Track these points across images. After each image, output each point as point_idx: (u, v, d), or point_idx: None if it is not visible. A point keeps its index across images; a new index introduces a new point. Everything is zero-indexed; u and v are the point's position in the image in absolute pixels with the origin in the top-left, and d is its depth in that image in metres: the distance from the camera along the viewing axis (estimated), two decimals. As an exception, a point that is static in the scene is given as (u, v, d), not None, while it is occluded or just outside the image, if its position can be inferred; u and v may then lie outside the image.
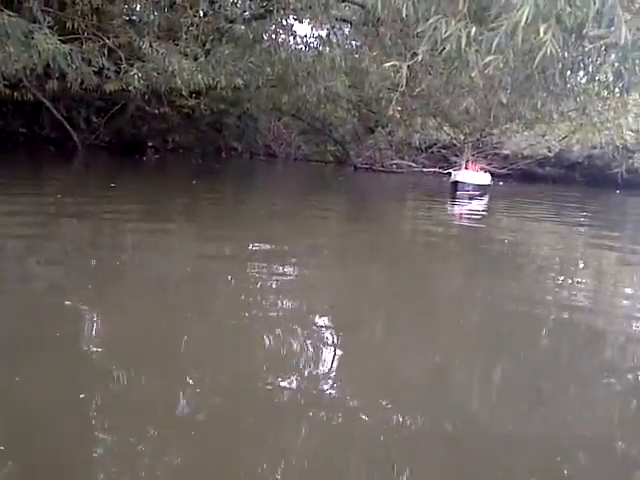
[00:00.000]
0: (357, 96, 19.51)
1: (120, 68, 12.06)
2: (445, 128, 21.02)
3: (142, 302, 4.35)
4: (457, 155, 27.28)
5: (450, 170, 20.56)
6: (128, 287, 4.72)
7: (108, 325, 3.79)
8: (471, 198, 16.99)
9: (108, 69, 12.02)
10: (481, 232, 10.67)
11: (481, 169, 20.22)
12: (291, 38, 15.13)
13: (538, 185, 28.19)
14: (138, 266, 5.46)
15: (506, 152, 27.27)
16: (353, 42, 16.25)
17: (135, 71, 11.61)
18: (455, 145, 25.84)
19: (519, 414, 3.03)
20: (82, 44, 11.71)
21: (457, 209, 14.72)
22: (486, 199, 17.34)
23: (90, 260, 5.44)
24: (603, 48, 5.04)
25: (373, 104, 19.55)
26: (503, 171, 29.05)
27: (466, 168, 19.19)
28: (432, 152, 28.30)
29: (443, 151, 28.02)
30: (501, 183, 26.58)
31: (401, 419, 2.84)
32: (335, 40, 14.44)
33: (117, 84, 13.02)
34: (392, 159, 29.12)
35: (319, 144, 31.83)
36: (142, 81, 12.00)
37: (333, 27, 14.22)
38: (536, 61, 4.81)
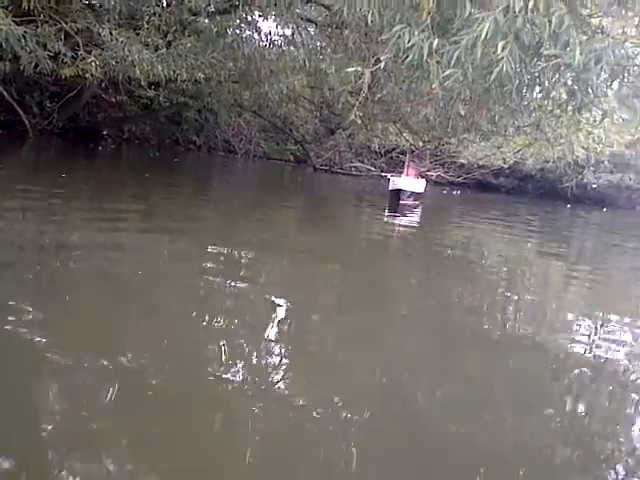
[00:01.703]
0: (320, 97, 19.53)
1: (77, 54, 11.73)
2: (405, 134, 21.24)
3: (85, 298, 4.22)
4: (414, 161, 27.72)
5: (388, 175, 18.36)
6: (71, 286, 4.56)
7: (50, 324, 3.66)
8: (413, 208, 15.47)
9: (64, 54, 11.66)
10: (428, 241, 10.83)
11: (418, 174, 18.45)
12: (255, 35, 15.06)
13: (491, 195, 28.88)
14: (81, 263, 5.30)
15: (462, 161, 27.80)
16: (317, 43, 16.25)
17: (93, 58, 11.34)
18: (413, 151, 26.18)
19: (464, 415, 3.08)
20: (38, 27, 11.32)
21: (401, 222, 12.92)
22: (420, 210, 15.59)
23: (27, 260, 5.24)
24: (558, 67, 5.17)
25: (335, 106, 19.60)
26: (459, 179, 29.65)
27: (407, 174, 17.48)
28: (391, 157, 28.61)
29: (402, 156, 28.32)
30: (458, 192, 27.09)
31: (348, 414, 2.90)
32: (299, 40, 14.41)
33: (73, 70, 12.65)
34: (352, 162, 29.31)
35: (279, 143, 31.73)
36: (99, 69, 11.73)
37: (298, 27, 14.18)
38: (492, 76, 4.90)
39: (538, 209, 23.68)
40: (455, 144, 21.89)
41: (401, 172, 17.92)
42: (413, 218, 14.07)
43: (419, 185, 16.50)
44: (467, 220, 15.65)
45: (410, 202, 15.56)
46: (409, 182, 16.01)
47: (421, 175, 19.05)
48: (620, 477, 2.67)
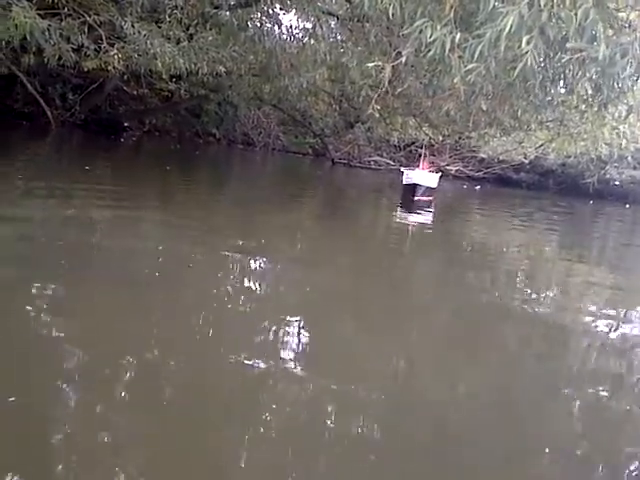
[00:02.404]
0: (339, 90, 19.45)
1: (100, 47, 11.81)
2: (424, 128, 21.07)
3: (110, 290, 4.28)
4: (434, 155, 27.50)
5: (402, 168, 17.28)
6: (95, 278, 4.62)
7: (75, 315, 3.71)
8: (428, 204, 14.69)
9: (87, 47, 11.74)
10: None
11: (432, 168, 17.55)
12: (276, 28, 15.02)
13: (511, 190, 28.60)
14: (106, 254, 5.37)
15: (482, 156, 27.50)
16: (338, 36, 16.17)
17: (115, 51, 11.41)
18: (433, 145, 25.98)
19: (481, 411, 3.08)
20: (61, 20, 11.41)
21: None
22: (434, 206, 14.89)
23: (54, 247, 5.32)
24: (583, 61, 5.09)
25: (354, 99, 19.51)
26: (479, 174, 29.37)
27: (422, 168, 16.62)
28: (410, 151, 28.42)
29: (421, 150, 28.14)
30: (478, 187, 26.77)
31: (366, 399, 2.95)
32: (320, 33, 14.35)
33: (96, 63, 12.75)
34: (370, 155, 29.19)
35: (298, 136, 31.72)
36: (122, 61, 11.80)
37: (319, 20, 14.12)
38: (516, 71, 4.84)
39: (559, 205, 23.41)
40: (475, 138, 21.63)
41: (416, 165, 17.18)
42: (428, 214, 13.51)
43: (433, 179, 15.86)
44: (486, 216, 15.51)
45: (425, 198, 14.86)
46: (424, 176, 15.30)
47: (436, 169, 18.27)
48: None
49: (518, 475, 2.58)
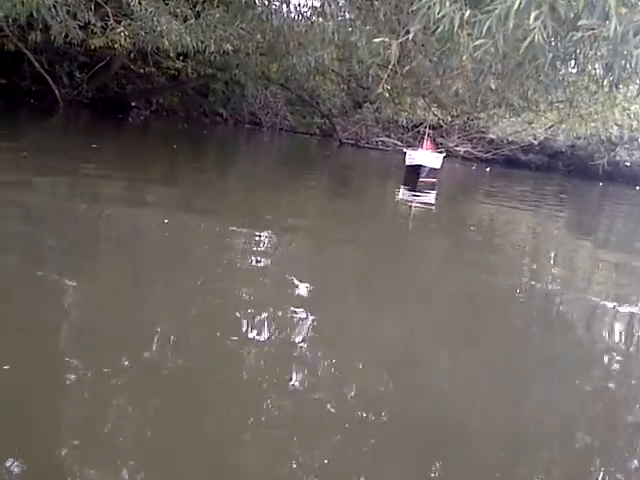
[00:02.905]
0: (348, 70, 19.27)
1: (106, 24, 11.73)
2: (433, 109, 20.90)
3: (117, 267, 4.31)
4: (443, 136, 27.27)
5: (404, 149, 16.39)
6: (104, 256, 4.65)
7: (82, 291, 3.74)
8: (431, 186, 13.94)
9: (94, 24, 11.68)
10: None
11: (435, 148, 16.49)
12: (284, 6, 14.85)
13: (520, 171, 28.38)
14: (112, 227, 5.39)
15: (491, 136, 27.29)
16: (347, 15, 15.96)
17: (122, 29, 11.34)
18: (442, 126, 25.77)
19: (485, 394, 3.09)
20: (68, -4, 11.34)
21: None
22: (437, 188, 14.07)
23: (63, 226, 5.35)
24: (594, 40, 5.01)
25: (363, 79, 19.34)
26: (487, 155, 29.17)
27: (425, 148, 15.69)
28: (418, 131, 28.21)
29: (429, 131, 27.93)
30: (488, 169, 26.52)
31: (370, 383, 2.94)
32: (329, 11, 14.16)
33: (103, 40, 12.72)
34: (378, 136, 29.03)
35: (306, 116, 31.53)
36: (128, 39, 11.74)
37: (328, -2, 13.94)
38: (523, 47, 4.76)
39: (568, 187, 23.25)
40: (484, 119, 21.43)
41: (419, 145, 16.38)
42: (432, 196, 13.00)
43: (437, 160, 15.13)
44: (493, 197, 15.41)
45: (428, 179, 14.17)
46: (427, 157, 14.60)
47: (440, 149, 17.58)
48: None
49: (518, 460, 2.58)
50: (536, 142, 25.91)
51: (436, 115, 22.10)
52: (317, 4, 14.60)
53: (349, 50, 14.81)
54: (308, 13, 14.74)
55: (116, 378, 2.64)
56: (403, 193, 12.88)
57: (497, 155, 29.25)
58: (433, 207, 11.59)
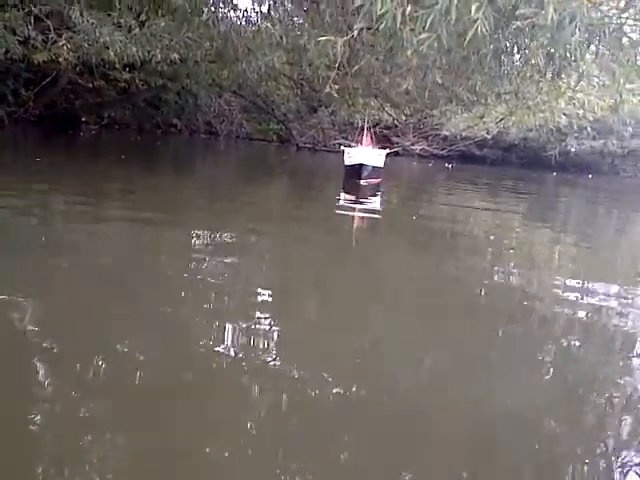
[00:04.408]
0: (299, 74, 19.28)
1: (47, 38, 11.45)
2: (387, 109, 21.08)
3: (74, 283, 4.15)
4: (398, 136, 27.56)
5: (342, 146, 14.57)
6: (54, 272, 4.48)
7: (37, 310, 3.58)
8: (376, 187, 12.36)
9: (34, 39, 11.38)
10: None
11: (375, 144, 14.72)
12: (232, 12, 14.75)
13: (476, 166, 28.84)
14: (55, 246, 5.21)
15: (446, 133, 27.73)
16: (295, 18, 15.97)
17: (63, 41, 11.07)
18: (396, 125, 26.04)
19: (453, 384, 3.07)
20: (5, 11, 11.04)
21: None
22: (382, 190, 12.50)
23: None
24: (532, 28, 5.10)
25: (315, 82, 19.36)
26: (443, 152, 29.61)
27: (365, 144, 14.09)
28: (375, 132, 28.48)
29: (385, 131, 28.22)
30: (450, 165, 26.78)
31: (338, 383, 2.86)
32: (276, 15, 14.14)
33: (45, 55, 12.40)
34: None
35: (262, 123, 31.51)
36: (71, 52, 11.47)
37: (275, 2, 13.92)
38: (467, 39, 4.81)
39: (522, 179, 23.70)
40: (437, 116, 21.75)
41: (358, 142, 14.69)
42: (376, 201, 11.19)
43: (380, 158, 13.50)
44: (450, 194, 15.57)
45: (372, 180, 12.69)
46: (369, 154, 13.00)
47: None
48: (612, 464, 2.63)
49: (485, 448, 2.56)
50: (489, 136, 26.42)
51: (390, 115, 22.28)
52: (264, 9, 14.59)
53: (298, 53, 14.83)
54: (255, 18, 14.70)
55: (80, 392, 2.53)
56: (344, 199, 10.87)
57: (452, 151, 29.73)
58: (379, 214, 9.74)
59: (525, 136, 28.81)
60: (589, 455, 2.53)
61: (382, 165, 13.56)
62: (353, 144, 14.79)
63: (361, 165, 12.43)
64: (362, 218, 8.93)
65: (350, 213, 9.20)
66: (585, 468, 2.42)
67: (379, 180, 13.16)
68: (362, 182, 12.23)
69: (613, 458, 2.49)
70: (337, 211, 9.40)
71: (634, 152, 32.16)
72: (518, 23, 5.04)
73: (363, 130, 14.95)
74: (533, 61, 6.64)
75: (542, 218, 11.80)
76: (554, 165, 29.59)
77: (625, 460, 2.46)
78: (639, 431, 2.76)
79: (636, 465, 2.42)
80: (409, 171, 24.74)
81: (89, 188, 8.75)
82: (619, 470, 2.39)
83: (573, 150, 30.21)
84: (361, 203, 10.43)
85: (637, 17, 5.11)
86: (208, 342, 3.26)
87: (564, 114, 13.99)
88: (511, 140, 31.10)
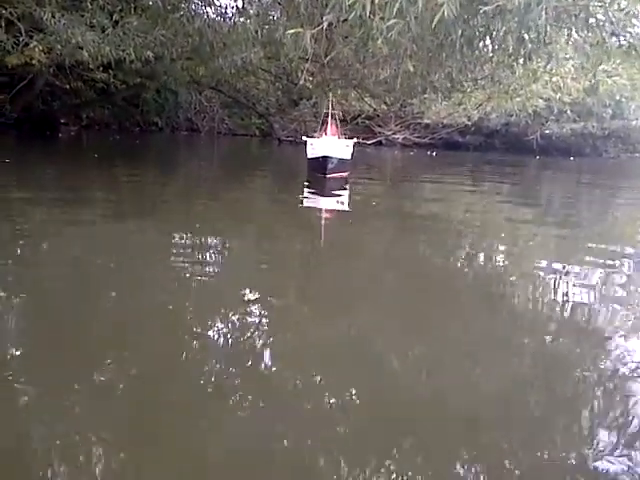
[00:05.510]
0: (277, 67, 19.21)
1: (19, 40, 11.32)
2: (366, 99, 21.09)
3: (59, 285, 4.12)
4: (380, 125, 27.56)
5: (305, 137, 13.10)
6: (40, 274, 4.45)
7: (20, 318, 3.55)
8: (343, 182, 11.30)
9: (5, 42, 11.25)
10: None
11: (341, 133, 13.31)
12: (208, 9, 14.67)
13: (459, 152, 28.94)
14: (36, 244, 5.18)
15: (427, 121, 27.76)
16: (272, 12, 15.90)
17: (35, 43, 10.95)
18: (378, 116, 26.07)
19: (438, 375, 3.11)
20: (-25, 15, 10.91)
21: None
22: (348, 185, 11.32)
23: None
24: (500, 12, 5.11)
25: (294, 75, 19.31)
26: (425, 140, 29.67)
27: (331, 133, 12.74)
28: (357, 123, 28.49)
29: (367, 122, 28.23)
30: (434, 153, 26.78)
31: (323, 377, 2.92)
32: (251, 10, 14.08)
33: (18, 57, 12.26)
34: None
35: (244, 117, 31.39)
36: (44, 54, 11.35)
37: (250, -4, 13.86)
38: (434, 23, 4.81)
39: (505, 164, 23.81)
40: (417, 105, 21.80)
41: (322, 131, 13.27)
42: (344, 198, 10.08)
43: (347, 149, 12.15)
44: (435, 182, 15.60)
45: (338, 174, 11.51)
46: (334, 145, 11.75)
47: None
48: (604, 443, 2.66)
49: (472, 439, 2.58)
50: (470, 123, 26.48)
51: (371, 106, 22.30)
52: (239, 4, 14.52)
53: (275, 47, 14.78)
54: (231, 14, 14.63)
55: (69, 396, 2.53)
56: (308, 197, 9.80)
57: (435, 139, 29.79)
58: (348, 211, 8.90)
59: (507, 121, 28.91)
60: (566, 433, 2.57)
61: (349, 157, 12.24)
62: (316, 134, 13.24)
63: (325, 157, 11.23)
64: (330, 213, 8.52)
65: (314, 214, 8.36)
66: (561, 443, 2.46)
67: (346, 173, 12.01)
68: (328, 176, 11.13)
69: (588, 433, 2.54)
70: (303, 205, 8.89)
71: (615, 133, 32.44)
72: (486, 8, 5.04)
73: (327, 118, 13.19)
74: (504, 46, 6.66)
75: (524, 202, 11.85)
76: (536, 149, 29.79)
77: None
78: (613, 405, 2.80)
79: (610, 441, 2.47)
80: (393, 160, 24.76)
81: (55, 187, 8.74)
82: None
83: (556, 134, 30.40)
84: (326, 200, 9.72)
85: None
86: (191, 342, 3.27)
87: (541, 98, 14.07)
88: (493, 126, 31.21)
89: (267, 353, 3.21)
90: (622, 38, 5.75)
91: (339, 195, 10.28)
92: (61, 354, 2.97)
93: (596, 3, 5.06)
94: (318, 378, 2.95)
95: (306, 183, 11.15)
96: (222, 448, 2.31)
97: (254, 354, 3.17)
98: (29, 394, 2.58)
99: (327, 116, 13.27)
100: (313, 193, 10.17)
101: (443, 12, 4.57)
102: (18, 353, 2.98)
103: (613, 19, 5.38)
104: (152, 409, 2.54)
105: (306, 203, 9.17)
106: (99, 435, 2.28)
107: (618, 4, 5.22)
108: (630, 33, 5.80)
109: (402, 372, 3.19)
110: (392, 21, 5.00)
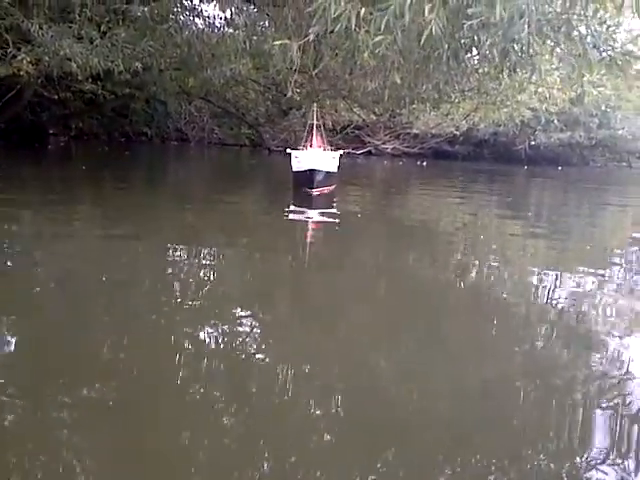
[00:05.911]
0: (265, 78, 19.29)
1: (6, 52, 11.30)
2: (355, 109, 21.19)
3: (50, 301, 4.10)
4: (369, 135, 27.67)
5: (289, 150, 12.49)
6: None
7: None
8: (331, 197, 10.83)
9: (-7, 53, 11.24)
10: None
11: (327, 145, 12.72)
12: (196, 20, 14.72)
13: (448, 162, 29.06)
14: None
15: (416, 131, 27.92)
16: (261, 23, 15.96)
17: (23, 55, 10.93)
18: (367, 126, 26.18)
19: (426, 382, 3.15)
20: (-38, 27, 10.88)
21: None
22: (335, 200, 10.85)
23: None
24: (483, 26, 5.17)
25: (283, 86, 19.37)
26: (415, 150, 29.82)
27: (316, 145, 12.25)
28: (347, 133, 28.61)
29: (357, 132, 28.36)
30: (424, 163, 26.86)
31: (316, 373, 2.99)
32: (239, 21, 14.13)
33: (6, 69, 12.21)
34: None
35: (233, 127, 31.38)
36: (32, 65, 11.33)
37: (237, 8, 13.90)
38: (422, 40, 4.86)
39: (494, 173, 23.94)
40: (406, 115, 21.92)
41: (307, 143, 12.69)
42: (332, 212, 9.62)
43: (333, 161, 11.68)
44: (425, 194, 15.64)
45: (325, 188, 11.04)
46: (320, 158, 11.25)
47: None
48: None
49: (459, 443, 2.58)
50: (458, 133, 26.67)
51: (360, 116, 22.41)
52: (228, 15, 14.56)
53: (264, 58, 14.83)
54: (219, 24, 14.67)
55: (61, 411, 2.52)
56: (294, 212, 9.38)
57: (424, 149, 29.96)
58: (337, 226, 8.33)
59: (495, 131, 29.14)
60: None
61: (336, 170, 11.77)
62: (300, 147, 12.61)
63: (312, 171, 10.64)
64: (317, 225, 8.35)
65: (302, 231, 7.99)
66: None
67: (333, 187, 11.54)
68: (315, 191, 10.61)
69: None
70: (289, 218, 8.74)
71: (602, 142, 32.75)
72: (471, 22, 5.09)
73: (312, 129, 12.64)
74: (490, 57, 6.72)
75: (514, 212, 11.92)
76: (524, 159, 30.04)
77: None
78: (605, 413, 2.82)
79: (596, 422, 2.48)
80: (382, 170, 24.84)
81: (40, 201, 8.71)
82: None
83: (543, 144, 30.64)
84: (313, 212, 9.40)
85: (581, 12, 5.21)
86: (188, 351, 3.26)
87: (529, 108, 14.20)
88: (481, 135, 31.42)
89: (253, 367, 3.20)
90: (604, 52, 5.81)
91: (327, 207, 10.09)
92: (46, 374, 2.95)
93: (578, 17, 5.13)
94: (305, 389, 2.95)
95: (292, 198, 10.80)
96: (207, 463, 2.30)
97: (239, 368, 3.17)
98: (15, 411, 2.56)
99: (312, 127, 12.81)
100: (300, 206, 9.89)
101: (431, 29, 4.60)
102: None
103: (595, 33, 5.46)
104: (138, 427, 2.53)
105: (292, 216, 8.93)
106: (84, 452, 2.27)
107: (599, 18, 5.29)
108: (612, 47, 5.87)
109: (390, 382, 3.18)
110: (379, 37, 5.03)
